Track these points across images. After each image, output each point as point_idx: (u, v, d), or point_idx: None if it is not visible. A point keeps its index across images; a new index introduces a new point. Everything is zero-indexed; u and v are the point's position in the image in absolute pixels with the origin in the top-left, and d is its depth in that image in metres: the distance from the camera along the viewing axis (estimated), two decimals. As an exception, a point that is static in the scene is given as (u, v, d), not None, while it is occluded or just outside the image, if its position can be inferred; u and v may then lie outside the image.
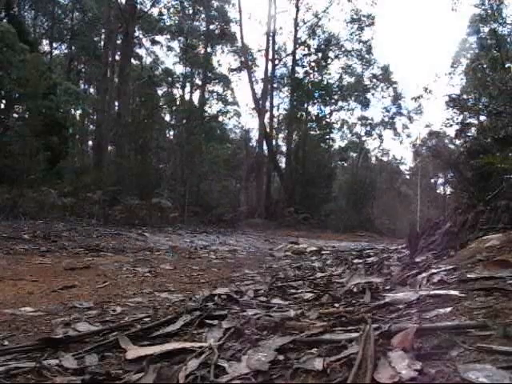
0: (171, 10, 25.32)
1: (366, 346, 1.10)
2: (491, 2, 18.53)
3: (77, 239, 7.45)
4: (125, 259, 5.01)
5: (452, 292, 1.75)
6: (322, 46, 26.87)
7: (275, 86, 27.47)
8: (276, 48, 26.73)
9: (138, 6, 21.85)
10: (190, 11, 26.33)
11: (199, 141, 22.01)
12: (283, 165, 27.77)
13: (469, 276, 2.03)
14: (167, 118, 29.22)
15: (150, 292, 2.78)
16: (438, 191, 36.06)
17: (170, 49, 28.32)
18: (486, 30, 20.61)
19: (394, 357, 1.05)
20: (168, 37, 27.29)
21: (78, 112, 23.93)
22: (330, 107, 29.12)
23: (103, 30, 22.36)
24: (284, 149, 29.30)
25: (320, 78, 27.56)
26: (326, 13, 26.31)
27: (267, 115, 25.98)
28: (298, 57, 26.85)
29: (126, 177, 17.31)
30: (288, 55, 27.21)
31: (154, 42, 27.87)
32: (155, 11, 25.15)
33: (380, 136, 32.63)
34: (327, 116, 29.08)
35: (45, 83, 14.32)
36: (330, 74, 28.06)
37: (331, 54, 27.79)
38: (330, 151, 29.11)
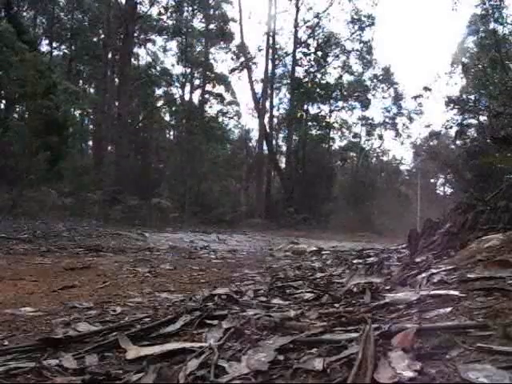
0: (169, 10, 25.26)
1: (366, 346, 1.10)
2: (491, 1, 18.54)
3: (77, 239, 7.45)
4: (125, 259, 5.01)
5: (452, 292, 1.75)
6: (322, 46, 26.85)
7: (275, 85, 27.46)
8: (276, 48, 26.73)
9: (138, 6, 21.85)
10: (189, 10, 26.30)
11: (199, 141, 22.03)
12: (283, 165, 27.76)
13: (469, 276, 2.03)
14: (167, 117, 29.21)
15: (149, 292, 2.77)
16: (437, 191, 36.10)
17: (168, 49, 28.33)
18: (486, 29, 20.63)
19: (394, 357, 1.05)
20: (167, 37, 27.28)
21: (78, 112, 23.91)
22: (330, 107, 29.13)
23: (103, 30, 22.35)
24: (284, 149, 29.30)
25: (320, 77, 27.55)
26: (327, 13, 26.34)
27: (267, 115, 25.98)
28: (298, 56, 26.85)
29: (126, 177, 17.33)
30: (288, 55, 27.21)
31: (154, 43, 27.86)
32: (154, 11, 25.13)
33: (380, 136, 32.63)
34: (327, 116, 29.08)
35: (44, 83, 14.32)
36: (330, 73, 28.06)
37: (331, 54, 27.79)
38: (330, 151, 29.10)
